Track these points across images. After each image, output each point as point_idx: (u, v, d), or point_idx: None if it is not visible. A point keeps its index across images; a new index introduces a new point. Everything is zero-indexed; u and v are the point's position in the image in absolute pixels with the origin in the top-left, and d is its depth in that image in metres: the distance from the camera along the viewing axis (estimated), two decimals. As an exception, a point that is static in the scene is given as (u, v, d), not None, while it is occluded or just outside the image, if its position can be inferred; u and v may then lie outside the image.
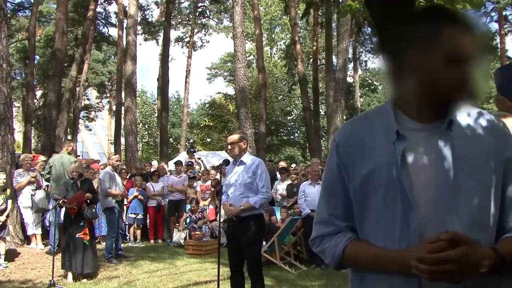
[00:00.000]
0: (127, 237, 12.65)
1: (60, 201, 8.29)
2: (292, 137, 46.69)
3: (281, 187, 11.81)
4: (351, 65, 33.73)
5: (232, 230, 6.07)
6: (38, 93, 36.40)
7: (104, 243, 10.91)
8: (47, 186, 11.30)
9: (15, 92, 32.71)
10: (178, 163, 14.15)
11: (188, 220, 12.56)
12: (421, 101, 1.58)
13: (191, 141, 48.89)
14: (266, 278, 6.15)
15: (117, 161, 10.82)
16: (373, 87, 48.75)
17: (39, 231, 11.32)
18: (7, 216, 9.48)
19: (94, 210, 8.81)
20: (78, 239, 8.23)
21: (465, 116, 1.62)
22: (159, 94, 32.07)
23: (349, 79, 33.41)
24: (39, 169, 11.56)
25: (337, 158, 1.69)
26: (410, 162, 1.56)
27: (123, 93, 26.18)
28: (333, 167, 1.70)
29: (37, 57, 33.03)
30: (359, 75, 41.58)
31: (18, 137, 33.26)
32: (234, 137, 6.12)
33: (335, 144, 1.72)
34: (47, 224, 11.48)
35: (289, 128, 47.34)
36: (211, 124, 44.73)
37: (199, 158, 18.96)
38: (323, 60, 29.81)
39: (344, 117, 22.24)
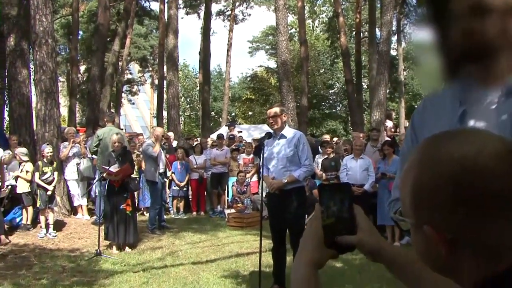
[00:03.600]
0: (170, 209, 12.83)
1: (104, 174, 8.43)
2: (334, 110, 46.21)
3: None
4: (394, 38, 33.03)
5: (274, 203, 6.05)
6: (82, 67, 36.89)
7: (147, 214, 11.11)
8: (92, 158, 11.50)
9: (60, 67, 33.22)
10: (220, 137, 14.21)
11: (231, 194, 12.74)
12: (467, 63, 1.59)
13: (233, 114, 48.98)
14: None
15: (162, 135, 10.87)
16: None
17: (85, 202, 11.60)
18: (54, 187, 9.74)
19: (136, 182, 8.97)
20: (122, 210, 8.39)
21: None
22: (200, 68, 32.07)
23: (393, 52, 32.73)
24: (82, 142, 11.72)
25: (411, 129, 1.77)
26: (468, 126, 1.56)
27: (165, 67, 26.35)
28: (407, 137, 1.81)
29: (81, 32, 33.43)
30: (403, 48, 40.77)
31: (63, 111, 33.88)
32: (276, 110, 6.06)
33: (412, 116, 1.81)
34: (93, 195, 11.74)
35: (331, 101, 46.87)
36: (252, 97, 44.69)
37: (239, 132, 19.02)
38: (366, 33, 29.35)
39: (387, 91, 21.87)
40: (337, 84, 45.24)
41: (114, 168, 8.34)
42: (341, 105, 46.00)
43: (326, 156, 11.61)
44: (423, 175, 0.89)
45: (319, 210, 1.17)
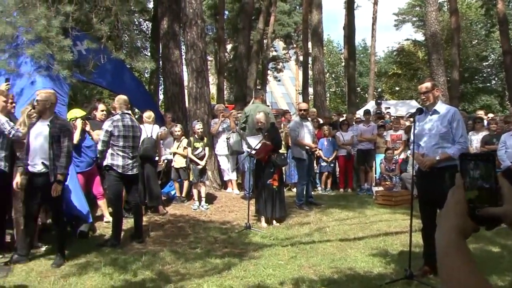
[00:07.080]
0: (318, 185, 12.86)
1: (250, 152, 8.71)
2: (488, 84, 43.63)
3: (476, 138, 11.03)
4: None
5: (425, 182, 5.79)
6: (229, 46, 38.03)
7: (295, 190, 11.22)
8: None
9: (208, 47, 34.48)
10: (366, 112, 13.94)
11: (378, 172, 12.47)
12: None
13: (379, 90, 47.99)
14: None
15: (305, 110, 10.82)
16: None
17: (234, 177, 11.98)
18: (206, 162, 10.18)
19: (283, 157, 9.09)
20: (269, 185, 8.57)
21: None
22: (345, 43, 31.67)
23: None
24: (233, 117, 12.06)
25: None
26: None
27: (309, 43, 26.33)
28: None
29: (227, 12, 34.38)
30: None
31: (212, 89, 35.23)
32: (427, 85, 5.80)
33: None
34: (242, 168, 12.11)
35: (485, 74, 44.29)
36: (399, 72, 43.50)
37: (387, 108, 18.57)
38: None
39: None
40: (492, 55, 42.68)
41: (253, 150, 8.58)
42: (496, 79, 43.36)
43: (488, 133, 10.87)
44: None
45: (461, 181, 1.09)
